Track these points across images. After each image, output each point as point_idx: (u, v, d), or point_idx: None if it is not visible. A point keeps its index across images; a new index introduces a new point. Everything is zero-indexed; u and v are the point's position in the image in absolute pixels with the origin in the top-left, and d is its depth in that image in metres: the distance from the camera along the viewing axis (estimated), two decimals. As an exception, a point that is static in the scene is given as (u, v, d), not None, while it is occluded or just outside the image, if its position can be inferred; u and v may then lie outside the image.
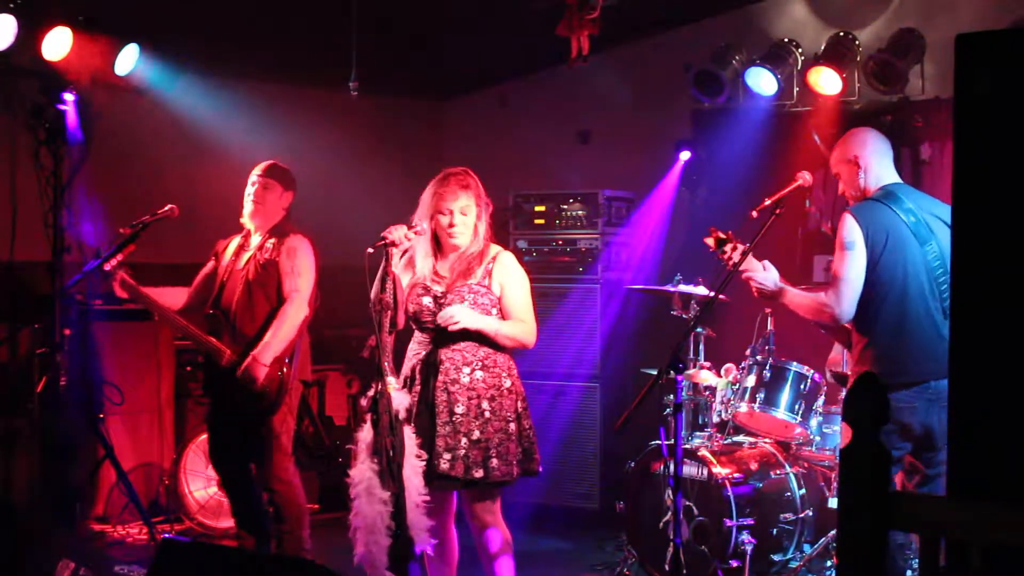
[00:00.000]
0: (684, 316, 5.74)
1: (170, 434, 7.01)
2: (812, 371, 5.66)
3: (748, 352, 5.84)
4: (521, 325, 4.57)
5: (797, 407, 5.65)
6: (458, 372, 4.48)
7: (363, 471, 4.28)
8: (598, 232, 7.25)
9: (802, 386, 5.67)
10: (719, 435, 5.84)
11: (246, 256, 5.42)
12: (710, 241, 4.46)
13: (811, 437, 5.74)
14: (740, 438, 5.97)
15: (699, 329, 5.82)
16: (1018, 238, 2.22)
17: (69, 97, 6.05)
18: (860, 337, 4.41)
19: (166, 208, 5.48)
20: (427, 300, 4.53)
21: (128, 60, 6.26)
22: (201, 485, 6.69)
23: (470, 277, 4.54)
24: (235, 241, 5.53)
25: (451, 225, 4.51)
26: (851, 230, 4.32)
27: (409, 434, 4.34)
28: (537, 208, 7.41)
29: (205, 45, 6.85)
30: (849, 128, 4.87)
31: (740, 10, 7.45)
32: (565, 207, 7.34)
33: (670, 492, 5.23)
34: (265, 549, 5.40)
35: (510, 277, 4.60)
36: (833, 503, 5.52)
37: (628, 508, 5.82)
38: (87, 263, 5.56)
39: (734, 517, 5.39)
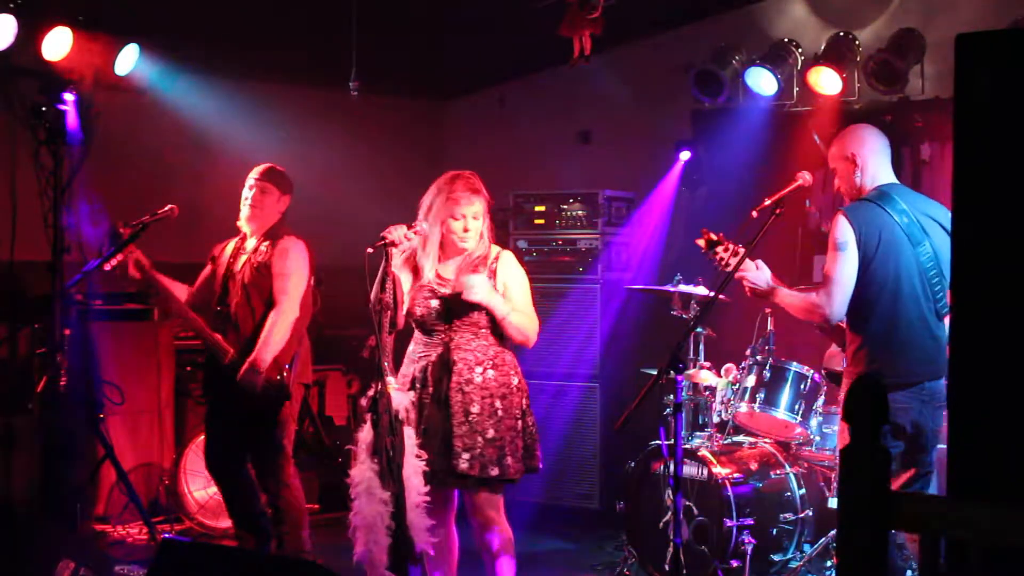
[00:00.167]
0: (684, 316, 5.74)
1: (170, 434, 7.00)
2: (812, 371, 5.67)
3: (748, 352, 5.84)
4: (528, 318, 4.60)
5: (797, 407, 5.65)
6: (471, 372, 4.50)
7: (363, 471, 4.28)
8: (598, 232, 7.25)
9: (802, 386, 5.67)
10: (719, 435, 5.84)
11: (243, 259, 5.42)
12: (701, 243, 4.47)
13: (811, 437, 5.74)
14: (740, 438, 5.97)
15: (699, 329, 5.82)
16: (1018, 238, 2.22)
17: (69, 97, 6.05)
18: (854, 337, 4.42)
19: (166, 208, 5.48)
20: (435, 303, 4.54)
21: (128, 60, 6.26)
22: (201, 485, 6.68)
23: None
24: (232, 244, 5.53)
25: (465, 230, 4.54)
26: (844, 231, 4.32)
27: (409, 434, 4.34)
28: (537, 208, 7.41)
29: (205, 45, 6.86)
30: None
31: (740, 10, 7.45)
32: (565, 207, 7.34)
33: (670, 492, 5.23)
34: (265, 549, 5.40)
35: (513, 276, 4.62)
36: (833, 503, 5.52)
37: (628, 508, 5.82)
38: (87, 263, 5.56)
39: (734, 517, 5.39)
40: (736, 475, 5.53)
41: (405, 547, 4.25)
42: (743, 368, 5.80)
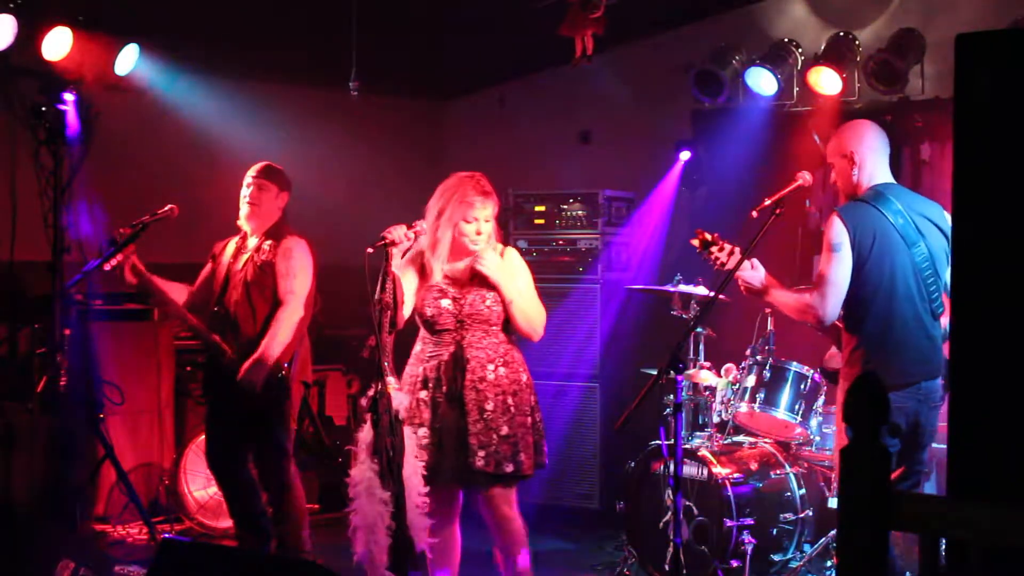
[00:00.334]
0: (684, 316, 5.74)
1: (170, 434, 7.00)
2: (812, 371, 5.66)
3: (748, 352, 5.84)
4: (534, 308, 4.63)
5: (797, 407, 5.65)
6: (484, 369, 4.53)
7: (363, 471, 4.28)
8: (598, 232, 7.25)
9: (802, 386, 5.67)
10: (719, 435, 5.84)
11: (244, 258, 5.42)
12: (696, 243, 4.47)
13: (811, 437, 5.74)
14: (740, 438, 5.97)
15: (699, 329, 5.82)
16: (1018, 238, 2.22)
17: (69, 97, 6.05)
18: (849, 338, 4.42)
19: (166, 208, 5.48)
20: (445, 303, 4.57)
21: (128, 60, 6.26)
22: (201, 485, 6.68)
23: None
24: (233, 243, 5.53)
25: (478, 233, 4.56)
26: (838, 231, 4.32)
27: (409, 434, 4.35)
28: (537, 208, 7.41)
29: (205, 45, 6.86)
30: (849, 123, 4.86)
31: (740, 10, 7.45)
32: (565, 207, 7.34)
33: (670, 492, 5.23)
34: (265, 549, 5.40)
35: (518, 272, 4.65)
36: (833, 503, 5.52)
37: (628, 508, 5.82)
38: (87, 263, 5.55)
39: (734, 517, 5.39)
40: (736, 475, 5.53)
41: (405, 547, 4.25)
42: (743, 368, 5.80)
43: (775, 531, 5.59)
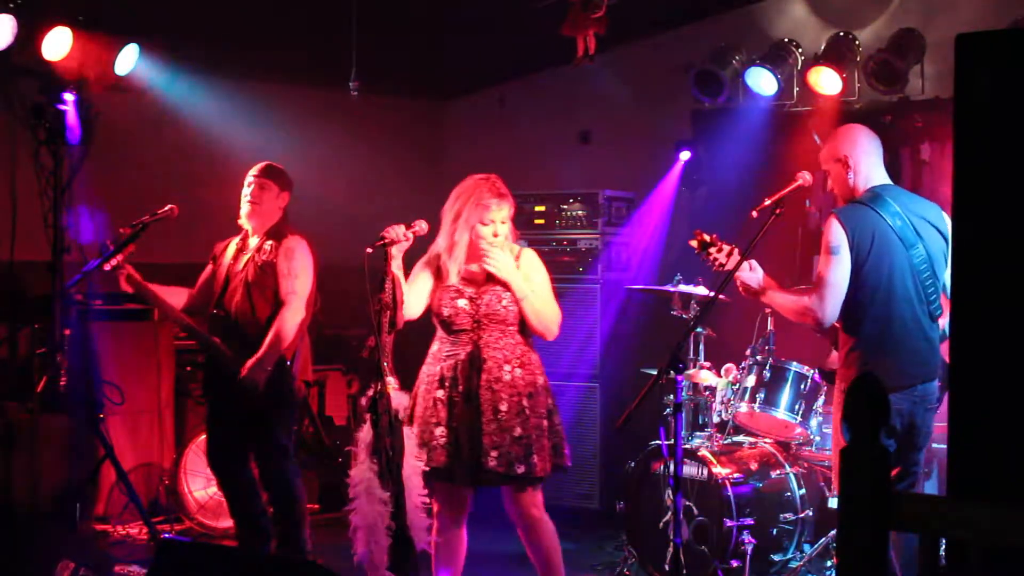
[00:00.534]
0: (684, 316, 5.74)
1: (170, 434, 7.00)
2: (812, 371, 5.66)
3: (748, 352, 5.84)
4: (548, 306, 4.64)
5: (797, 407, 5.65)
6: (500, 370, 4.54)
7: (363, 471, 4.28)
8: (598, 232, 7.25)
9: (802, 386, 5.67)
10: (719, 435, 5.84)
11: (245, 258, 5.42)
12: (695, 244, 4.47)
13: (811, 437, 5.74)
14: (740, 438, 5.97)
15: (699, 329, 5.82)
16: (1018, 238, 2.22)
17: (69, 97, 6.05)
18: (847, 339, 4.42)
19: (166, 208, 5.48)
20: (462, 303, 4.58)
21: (128, 60, 6.26)
22: (201, 485, 6.68)
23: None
24: (234, 243, 5.52)
25: (495, 235, 4.58)
26: (836, 233, 4.33)
27: (409, 434, 4.35)
28: (537, 208, 7.40)
29: (205, 45, 6.86)
30: (844, 127, 4.87)
31: (740, 10, 7.45)
32: (565, 207, 7.34)
33: (670, 492, 5.23)
34: (265, 549, 5.40)
35: (534, 272, 4.67)
36: (833, 503, 5.52)
37: (628, 508, 5.82)
38: (87, 263, 5.56)
39: (734, 517, 5.39)
40: (736, 475, 5.53)
41: (405, 547, 4.25)
42: (743, 368, 5.80)
43: (775, 531, 5.59)
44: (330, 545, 5.58)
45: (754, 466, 5.69)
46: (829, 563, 5.51)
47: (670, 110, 7.65)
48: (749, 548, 5.36)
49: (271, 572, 3.60)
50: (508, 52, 7.96)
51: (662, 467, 5.57)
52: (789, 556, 5.60)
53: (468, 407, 4.52)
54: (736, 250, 4.43)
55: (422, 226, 4.47)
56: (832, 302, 4.32)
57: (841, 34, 6.77)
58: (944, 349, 4.41)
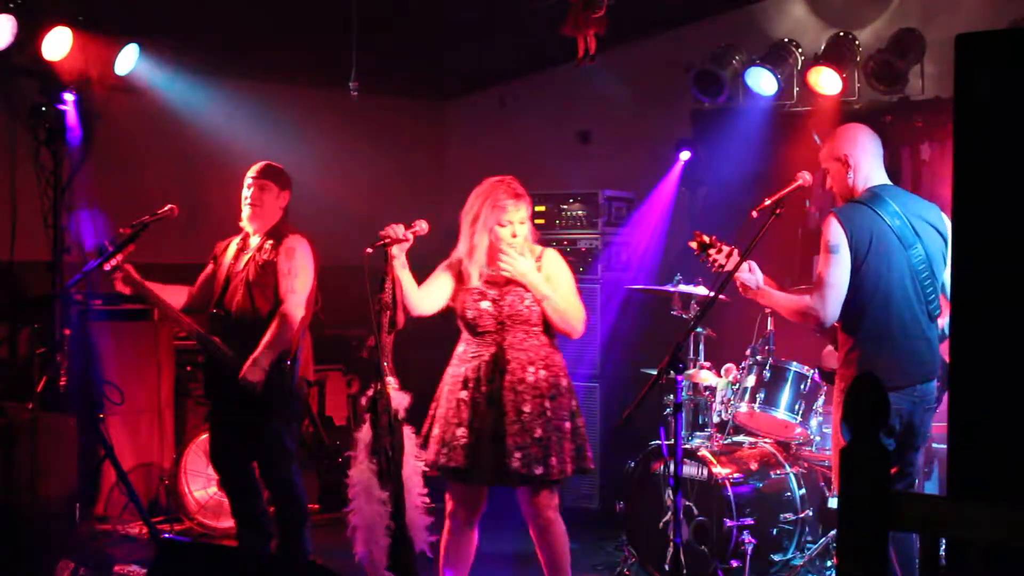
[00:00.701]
0: (684, 316, 5.74)
1: (170, 434, 7.00)
2: (812, 371, 5.66)
3: (748, 352, 5.84)
4: (571, 306, 4.64)
5: (797, 407, 5.65)
6: (523, 371, 4.55)
7: (362, 471, 4.29)
8: (598, 232, 7.25)
9: (802, 386, 5.67)
10: (719, 435, 5.84)
11: (245, 257, 5.41)
12: (694, 245, 4.48)
13: (811, 437, 5.74)
14: (740, 438, 5.97)
15: (699, 329, 5.82)
16: (1018, 238, 2.22)
17: (69, 97, 6.05)
18: (846, 339, 4.42)
19: (166, 208, 5.48)
20: (485, 304, 4.59)
21: (128, 60, 6.26)
22: (201, 485, 6.68)
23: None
24: (234, 243, 5.52)
25: (513, 236, 4.59)
26: (835, 233, 4.33)
27: (408, 434, 4.35)
28: (537, 208, 7.36)
29: (205, 45, 6.86)
30: (844, 126, 4.87)
31: (740, 10, 7.45)
32: (565, 207, 7.34)
33: (670, 492, 5.23)
34: (265, 549, 5.40)
35: (556, 271, 4.68)
36: (833, 503, 5.52)
37: (628, 508, 5.82)
38: (87, 263, 5.56)
39: (734, 517, 5.39)
40: (736, 475, 5.53)
41: (405, 547, 4.25)
42: (743, 368, 5.80)
43: (775, 531, 5.59)
44: (330, 545, 5.58)
45: (754, 466, 5.69)
46: (829, 563, 5.51)
47: (670, 110, 7.65)
48: (749, 548, 5.36)
49: (271, 572, 3.61)
50: (508, 52, 7.96)
51: (662, 467, 5.57)
52: (789, 556, 5.60)
53: (491, 408, 4.52)
54: (735, 251, 4.43)
55: (422, 226, 4.47)
56: (833, 302, 4.32)
57: (841, 34, 6.77)
58: (943, 349, 4.42)
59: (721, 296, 4.55)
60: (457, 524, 4.67)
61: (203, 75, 7.14)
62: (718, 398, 5.86)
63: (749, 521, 5.42)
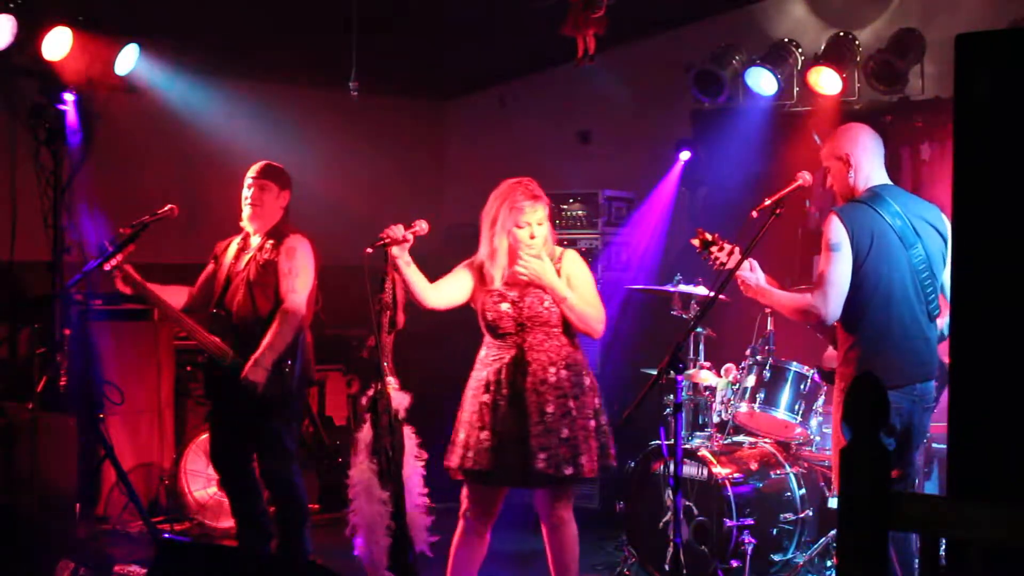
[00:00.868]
0: (684, 316, 5.74)
1: (170, 434, 7.00)
2: (812, 371, 5.66)
3: (748, 352, 5.84)
4: (591, 307, 4.65)
5: (797, 407, 5.65)
6: (545, 372, 4.55)
7: (363, 471, 4.29)
8: (598, 232, 7.25)
9: (802, 386, 5.67)
10: (719, 435, 5.84)
11: (246, 257, 5.41)
12: (696, 242, 4.47)
13: (811, 437, 5.74)
14: (740, 438, 5.97)
15: (699, 329, 5.82)
16: (1018, 238, 2.22)
17: (69, 97, 6.05)
18: (846, 338, 4.42)
19: (166, 208, 5.47)
20: (505, 306, 4.60)
21: (128, 60, 6.26)
22: (201, 485, 6.68)
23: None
24: (235, 242, 5.52)
25: (531, 237, 4.59)
26: (837, 231, 4.33)
27: (409, 434, 4.35)
28: (537, 208, 7.39)
29: (205, 45, 6.86)
30: (845, 126, 4.87)
31: (740, 10, 7.45)
32: (565, 207, 7.34)
33: (670, 492, 5.23)
34: (265, 549, 5.40)
35: (576, 272, 4.68)
36: (833, 503, 5.52)
37: (628, 508, 5.82)
38: (87, 263, 5.56)
39: (734, 517, 5.39)
40: (736, 475, 5.53)
41: (405, 547, 4.25)
42: (743, 368, 5.80)
43: (775, 531, 5.59)
44: (330, 545, 5.58)
45: (754, 466, 5.69)
46: (829, 563, 5.51)
47: (670, 110, 7.65)
48: (749, 548, 5.36)
49: (271, 572, 3.61)
50: (508, 52, 7.96)
51: (662, 467, 5.57)
52: (789, 556, 5.60)
53: (514, 410, 4.52)
54: (737, 249, 4.43)
55: (422, 226, 4.47)
56: (835, 299, 4.32)
57: (841, 34, 6.77)
58: (942, 349, 4.42)
59: (721, 296, 4.55)
60: (472, 527, 4.66)
61: (203, 75, 7.14)
62: (718, 398, 5.85)
63: (749, 521, 5.42)
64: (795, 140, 6.89)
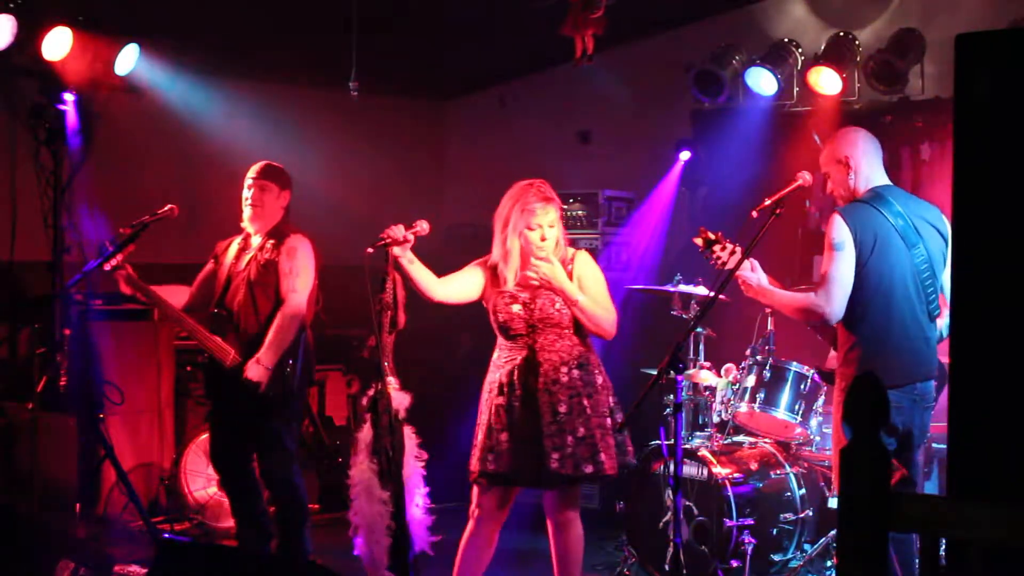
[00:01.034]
0: (684, 316, 5.74)
1: (170, 434, 7.00)
2: (812, 371, 5.66)
3: (748, 352, 5.84)
4: (602, 308, 4.64)
5: (797, 407, 5.65)
6: (557, 372, 4.55)
7: (363, 471, 4.29)
8: (598, 232, 7.25)
9: (802, 386, 5.67)
10: (719, 435, 5.84)
11: (247, 257, 5.41)
12: (699, 241, 4.47)
13: (811, 437, 5.74)
14: (740, 438, 5.97)
15: (699, 329, 5.82)
16: (1018, 238, 2.22)
17: (69, 97, 6.06)
18: (847, 338, 4.42)
19: (166, 208, 5.48)
20: (516, 308, 4.60)
21: (128, 60, 6.26)
22: (201, 485, 6.68)
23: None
24: (236, 242, 5.52)
25: (543, 239, 4.59)
26: (840, 230, 4.33)
27: (409, 434, 4.35)
28: (537, 208, 7.39)
29: (205, 45, 6.86)
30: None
31: (740, 10, 7.45)
32: (565, 207, 7.27)
33: (670, 492, 5.23)
34: (266, 549, 5.40)
35: (587, 272, 4.68)
36: (833, 503, 5.52)
37: (628, 508, 5.82)
38: (87, 263, 5.56)
39: (734, 517, 5.39)
40: (736, 475, 5.53)
41: (405, 547, 4.25)
42: (743, 368, 5.80)
43: (775, 531, 5.59)
44: (330, 545, 5.58)
45: (754, 466, 5.69)
46: (829, 563, 5.51)
47: (670, 110, 7.65)
48: (749, 548, 5.36)
49: (271, 572, 3.61)
50: (508, 52, 7.96)
51: (662, 467, 5.57)
52: (789, 556, 5.60)
53: (526, 411, 4.53)
54: (739, 248, 4.43)
55: (423, 226, 4.47)
56: (839, 298, 4.32)
57: (841, 34, 6.77)
58: (941, 349, 4.42)
59: (721, 296, 4.55)
60: (482, 528, 4.65)
61: (203, 75, 7.15)
62: (718, 398, 5.85)
63: (749, 521, 5.42)
64: (795, 140, 6.89)
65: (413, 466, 4.34)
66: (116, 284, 5.36)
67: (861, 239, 4.32)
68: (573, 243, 4.86)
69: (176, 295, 5.54)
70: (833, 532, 5.34)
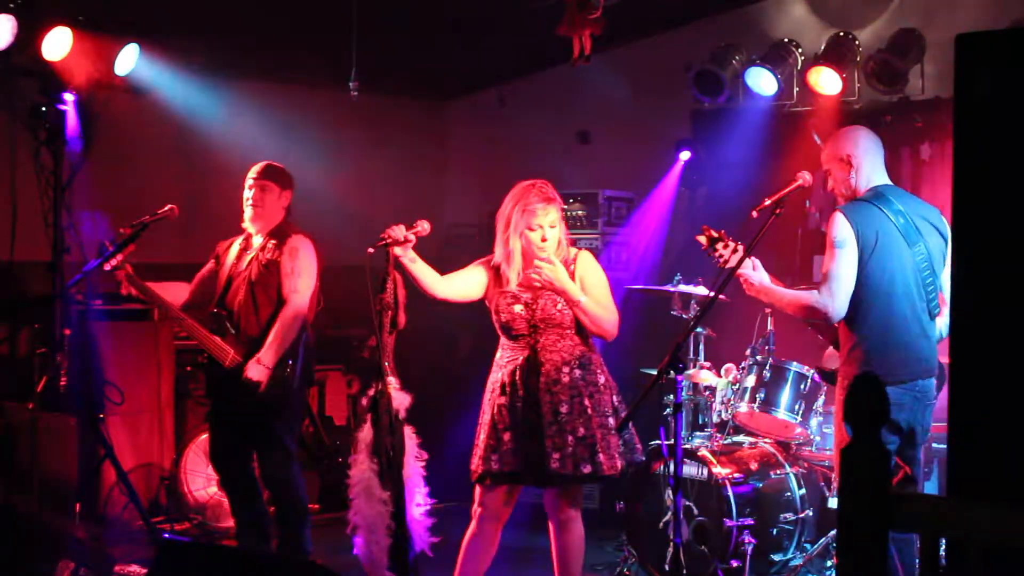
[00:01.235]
0: (684, 316, 5.74)
1: (170, 434, 7.00)
2: (812, 371, 5.66)
3: (748, 352, 5.84)
4: (604, 309, 4.64)
5: (797, 407, 5.65)
6: (558, 372, 4.56)
7: (363, 471, 4.29)
8: (598, 232, 7.25)
9: (802, 386, 5.67)
10: (719, 435, 5.84)
11: (248, 257, 5.41)
12: (702, 239, 4.47)
13: (811, 437, 5.74)
14: (740, 438, 5.97)
15: (699, 329, 5.82)
16: (1018, 238, 2.22)
17: (69, 97, 6.05)
18: (848, 336, 4.42)
19: (166, 208, 5.48)
20: (518, 308, 4.60)
21: (128, 60, 6.26)
22: (201, 485, 6.68)
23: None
24: (237, 243, 5.52)
25: (543, 240, 4.59)
26: (842, 228, 4.33)
27: (409, 434, 4.35)
28: (537, 208, 7.39)
29: (205, 45, 6.86)
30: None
31: (740, 10, 7.45)
32: (565, 207, 7.29)
33: (670, 492, 5.23)
34: (265, 549, 5.40)
35: (590, 273, 4.68)
36: (833, 503, 5.52)
37: (628, 508, 5.82)
38: (87, 263, 5.56)
39: (734, 517, 5.39)
40: (736, 475, 5.53)
41: (405, 547, 4.25)
42: (743, 368, 5.80)
43: (775, 531, 5.59)
44: (330, 545, 5.58)
45: (754, 466, 5.69)
46: (829, 563, 5.51)
47: (670, 110, 7.65)
48: (749, 548, 5.36)
49: (271, 572, 3.61)
50: (508, 52, 7.96)
51: (662, 467, 5.57)
52: (789, 556, 5.60)
53: (528, 410, 4.54)
54: (741, 246, 4.43)
55: (423, 226, 4.48)
56: (841, 296, 4.32)
57: (841, 34, 6.77)
58: (940, 348, 4.42)
59: (721, 296, 4.54)
60: (485, 527, 4.65)
61: (203, 75, 7.14)
62: (718, 398, 5.85)
63: (749, 521, 5.42)
64: (795, 140, 6.89)
65: (413, 466, 4.34)
66: (116, 284, 5.36)
67: (863, 237, 4.32)
68: (574, 243, 4.86)
69: (176, 292, 5.54)
70: (833, 532, 5.34)
